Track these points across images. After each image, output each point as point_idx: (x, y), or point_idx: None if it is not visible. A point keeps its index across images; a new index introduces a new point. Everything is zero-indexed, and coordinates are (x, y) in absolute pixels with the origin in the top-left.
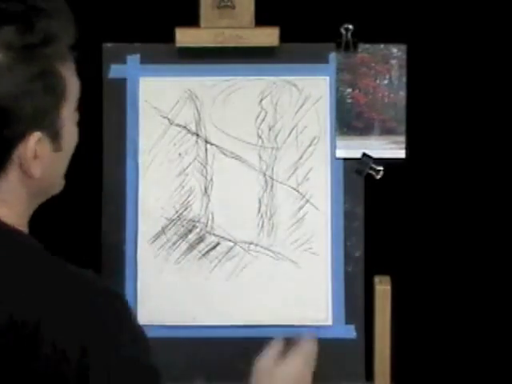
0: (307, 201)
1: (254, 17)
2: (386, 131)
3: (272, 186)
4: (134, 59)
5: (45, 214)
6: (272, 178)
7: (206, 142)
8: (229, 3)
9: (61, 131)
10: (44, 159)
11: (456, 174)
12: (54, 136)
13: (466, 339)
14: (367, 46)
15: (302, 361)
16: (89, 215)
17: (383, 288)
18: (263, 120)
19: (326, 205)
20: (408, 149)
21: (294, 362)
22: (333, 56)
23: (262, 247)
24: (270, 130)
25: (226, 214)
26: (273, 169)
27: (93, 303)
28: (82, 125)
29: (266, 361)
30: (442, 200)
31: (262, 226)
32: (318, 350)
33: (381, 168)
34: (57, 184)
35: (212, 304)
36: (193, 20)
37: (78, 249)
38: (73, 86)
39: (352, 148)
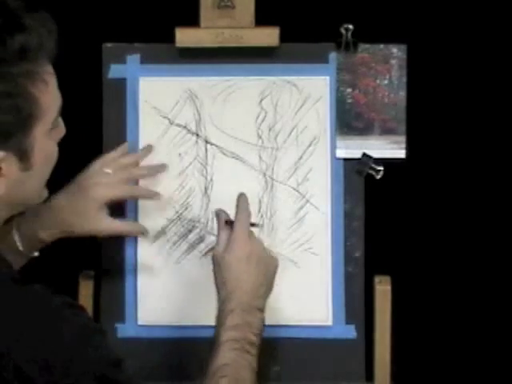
0: (307, 201)
1: (254, 17)
2: (386, 131)
3: (272, 186)
4: (133, 59)
5: None
6: (272, 178)
7: (206, 142)
8: (229, 3)
9: (30, 150)
10: (10, 177)
11: (456, 174)
12: (22, 155)
13: (467, 339)
14: (367, 45)
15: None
16: None
17: (383, 288)
18: (263, 120)
19: (326, 205)
20: (408, 149)
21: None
22: (333, 56)
23: None
24: (270, 130)
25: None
26: (273, 169)
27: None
28: (82, 125)
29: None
30: (443, 200)
31: (262, 226)
32: (318, 349)
33: (381, 168)
34: (34, 197)
35: (212, 304)
36: (193, 20)
37: (78, 249)
38: (49, 105)
39: (352, 148)
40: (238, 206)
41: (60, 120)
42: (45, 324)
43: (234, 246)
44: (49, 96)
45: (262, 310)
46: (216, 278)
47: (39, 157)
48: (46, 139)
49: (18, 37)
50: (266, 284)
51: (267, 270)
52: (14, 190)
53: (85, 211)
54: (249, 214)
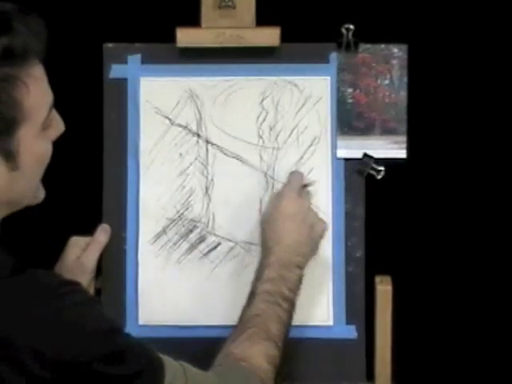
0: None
1: (254, 17)
2: (387, 131)
3: (273, 186)
4: (134, 59)
5: (45, 214)
6: (273, 178)
7: (207, 142)
8: (230, 3)
9: (16, 151)
10: None
11: (457, 174)
12: (8, 156)
13: (467, 339)
14: (368, 45)
15: (295, 192)
16: (89, 215)
17: (384, 288)
18: (264, 120)
19: (327, 205)
20: (409, 149)
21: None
22: (334, 56)
23: None
24: (270, 130)
25: (227, 214)
26: (274, 169)
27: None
28: (82, 125)
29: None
30: (443, 200)
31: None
32: (319, 350)
33: (382, 168)
34: (28, 196)
35: (213, 304)
36: (194, 20)
37: None
38: (34, 107)
39: (353, 148)
40: (291, 172)
41: (55, 118)
42: (43, 307)
43: (281, 202)
44: (33, 99)
45: (301, 267)
46: (261, 234)
47: (27, 157)
48: (34, 140)
49: (2, 39)
50: (309, 244)
51: (312, 230)
52: (5, 189)
53: None
54: (301, 176)
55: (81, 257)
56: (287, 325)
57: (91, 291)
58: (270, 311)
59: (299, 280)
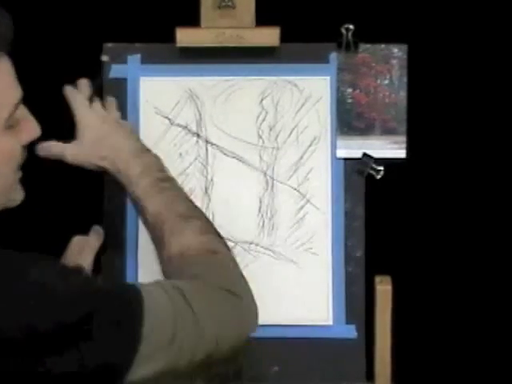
0: (308, 201)
1: (254, 17)
2: (387, 131)
3: (273, 186)
4: (134, 59)
5: (44, 214)
6: (272, 178)
7: (207, 142)
8: (229, 3)
9: None
10: None
11: (457, 174)
12: None
13: (467, 339)
14: (368, 45)
15: None
16: (89, 215)
17: (384, 288)
18: (264, 120)
19: (327, 205)
20: (409, 149)
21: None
22: (333, 56)
23: (262, 247)
24: (270, 129)
25: (227, 213)
26: (273, 169)
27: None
28: None
29: None
30: (443, 200)
31: (263, 225)
32: (319, 349)
33: (381, 168)
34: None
35: None
36: (193, 20)
37: None
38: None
39: (352, 148)
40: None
41: (28, 120)
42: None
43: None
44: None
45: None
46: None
47: None
48: None
49: None
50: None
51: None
52: None
53: None
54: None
55: (78, 258)
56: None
57: None
58: (167, 199)
59: (155, 158)
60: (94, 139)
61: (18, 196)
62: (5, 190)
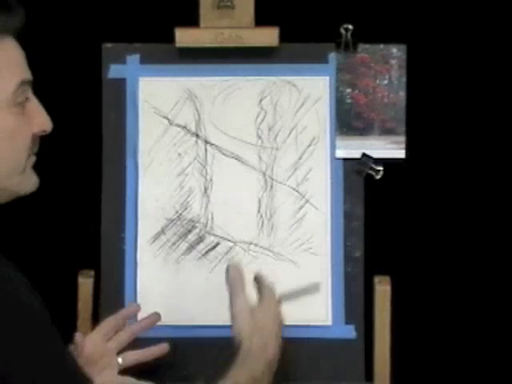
0: (307, 201)
1: (253, 17)
2: (386, 131)
3: (272, 186)
4: (133, 59)
5: (44, 214)
6: (272, 178)
7: (206, 142)
8: (228, 3)
9: None
10: None
11: (456, 174)
12: None
13: (466, 339)
14: (367, 46)
15: (274, 302)
16: (88, 215)
17: (383, 288)
18: (263, 120)
19: (326, 205)
20: (408, 149)
21: (268, 303)
22: (332, 56)
23: (261, 247)
24: (269, 130)
25: (226, 214)
26: (272, 169)
27: None
28: (81, 125)
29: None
30: (442, 200)
31: (262, 226)
32: (318, 350)
33: (380, 168)
34: (4, 179)
35: (212, 304)
36: (193, 20)
37: (78, 249)
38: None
39: (352, 148)
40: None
41: (38, 110)
42: None
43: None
44: None
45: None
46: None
47: None
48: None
49: None
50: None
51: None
52: None
53: None
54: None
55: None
56: None
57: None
58: None
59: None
60: None
61: (30, 182)
62: (16, 172)
